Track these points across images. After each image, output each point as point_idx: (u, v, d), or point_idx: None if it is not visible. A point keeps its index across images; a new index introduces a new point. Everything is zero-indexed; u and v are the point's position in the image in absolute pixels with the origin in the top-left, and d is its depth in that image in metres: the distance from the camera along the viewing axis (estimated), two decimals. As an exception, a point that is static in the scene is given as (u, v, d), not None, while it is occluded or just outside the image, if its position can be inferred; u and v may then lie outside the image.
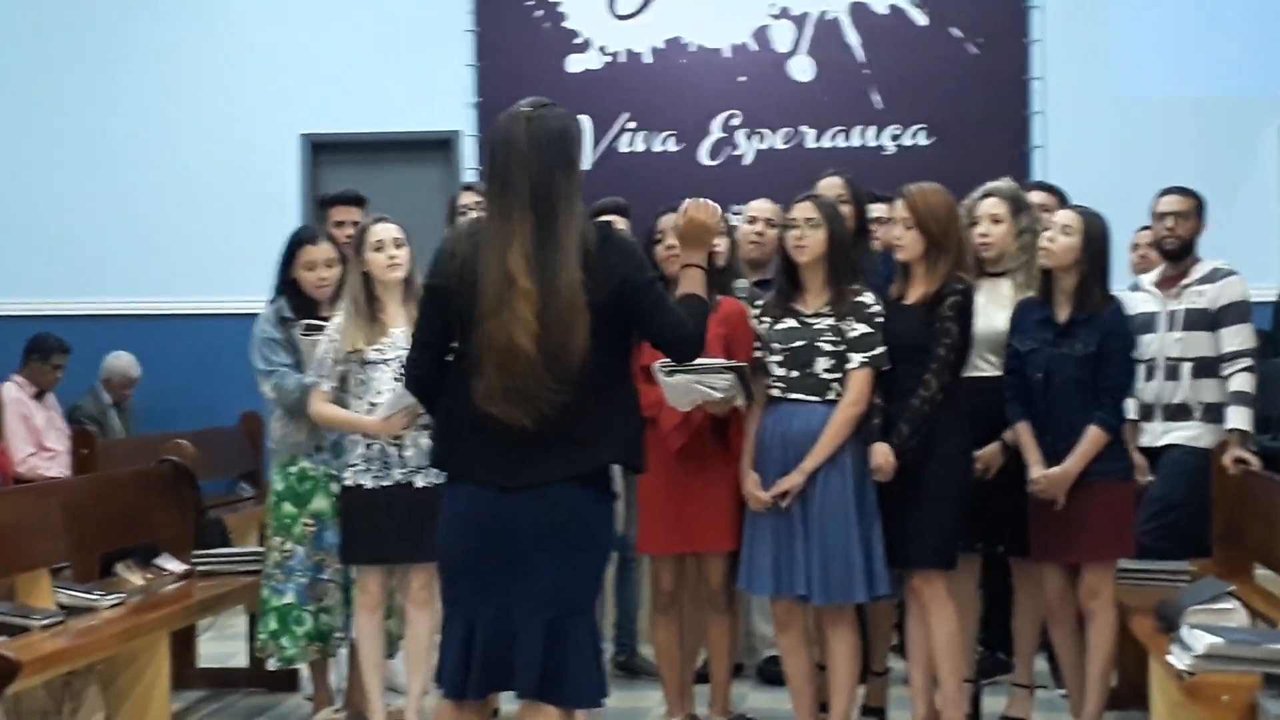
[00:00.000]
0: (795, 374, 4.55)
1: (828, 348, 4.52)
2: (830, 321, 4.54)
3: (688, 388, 4.44)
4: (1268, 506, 4.86)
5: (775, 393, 4.59)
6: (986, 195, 4.95)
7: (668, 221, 4.73)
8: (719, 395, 4.45)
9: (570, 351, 3.27)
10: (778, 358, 4.58)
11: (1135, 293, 5.59)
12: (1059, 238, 4.62)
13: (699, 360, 4.39)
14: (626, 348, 3.48)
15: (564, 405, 3.28)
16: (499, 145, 3.38)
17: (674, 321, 3.44)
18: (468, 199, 5.40)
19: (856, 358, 4.50)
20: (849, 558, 4.44)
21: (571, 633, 3.36)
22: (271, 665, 5.06)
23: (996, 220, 4.89)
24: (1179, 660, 3.77)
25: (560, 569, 3.35)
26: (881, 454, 4.44)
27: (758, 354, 4.65)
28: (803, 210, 4.60)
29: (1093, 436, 4.53)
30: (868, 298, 4.56)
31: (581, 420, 3.33)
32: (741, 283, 5.33)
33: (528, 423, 3.28)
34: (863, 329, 4.52)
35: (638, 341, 3.57)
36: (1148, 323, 5.44)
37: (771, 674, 5.70)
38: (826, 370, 4.53)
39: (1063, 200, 5.59)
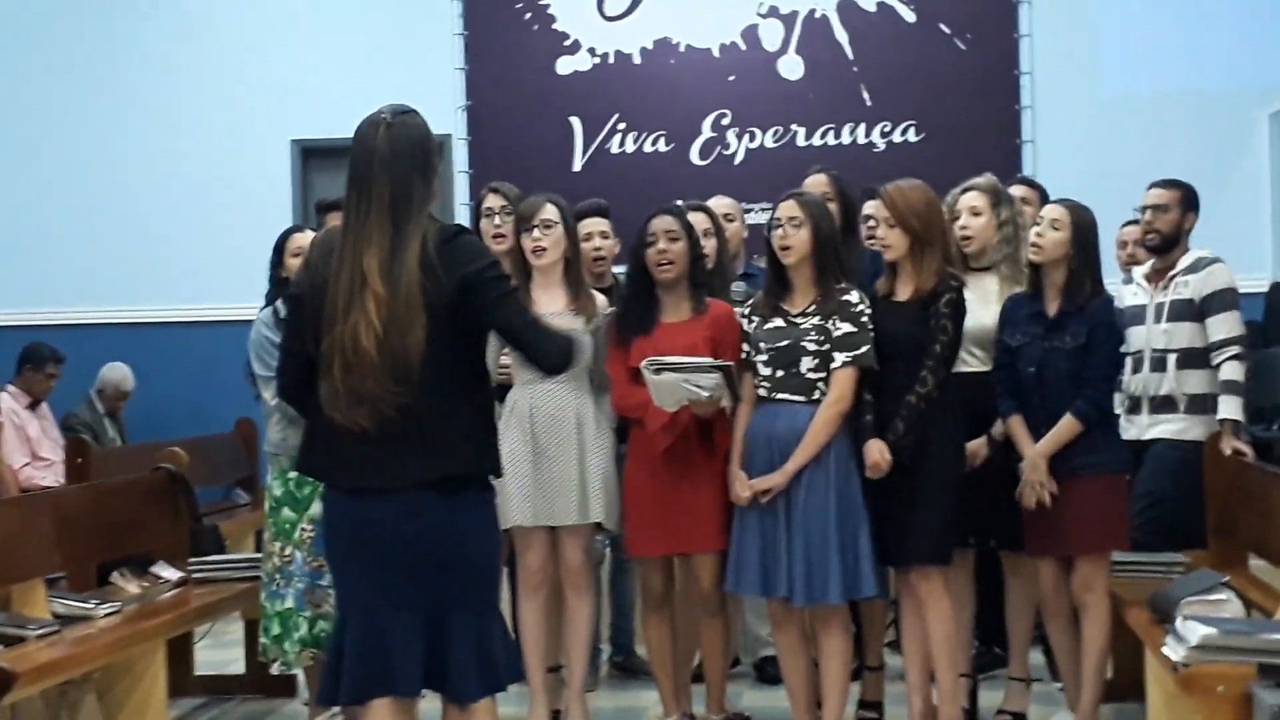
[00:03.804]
0: (781, 374, 4.55)
1: (812, 347, 4.51)
2: (816, 321, 4.53)
3: (674, 386, 4.44)
4: (1262, 497, 4.86)
5: (762, 392, 4.59)
6: (966, 190, 4.95)
7: (659, 226, 4.73)
8: (705, 394, 4.45)
9: (407, 352, 3.28)
10: (764, 357, 4.58)
11: (1127, 286, 5.60)
12: (1048, 232, 4.62)
13: (685, 359, 4.41)
14: (474, 350, 3.47)
15: (405, 407, 3.29)
16: (360, 152, 3.39)
17: (526, 324, 3.45)
18: (493, 202, 5.37)
19: (840, 357, 4.50)
20: (829, 558, 4.43)
21: (455, 629, 3.39)
22: (275, 670, 5.05)
23: (976, 213, 4.89)
24: (1174, 652, 3.76)
25: (431, 578, 3.37)
26: (876, 451, 4.43)
27: (744, 354, 4.64)
28: (787, 209, 4.59)
29: (1067, 424, 4.54)
30: (854, 296, 4.55)
31: (427, 423, 3.33)
32: (739, 285, 5.35)
33: (369, 426, 3.30)
34: (848, 328, 4.51)
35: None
36: (1137, 315, 5.45)
37: (768, 673, 5.70)
38: (811, 370, 4.52)
39: (1044, 195, 5.60)
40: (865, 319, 4.52)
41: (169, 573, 5.45)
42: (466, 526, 3.44)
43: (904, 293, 4.58)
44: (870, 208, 5.47)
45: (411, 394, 3.29)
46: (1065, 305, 4.61)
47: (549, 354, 3.49)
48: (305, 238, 5.10)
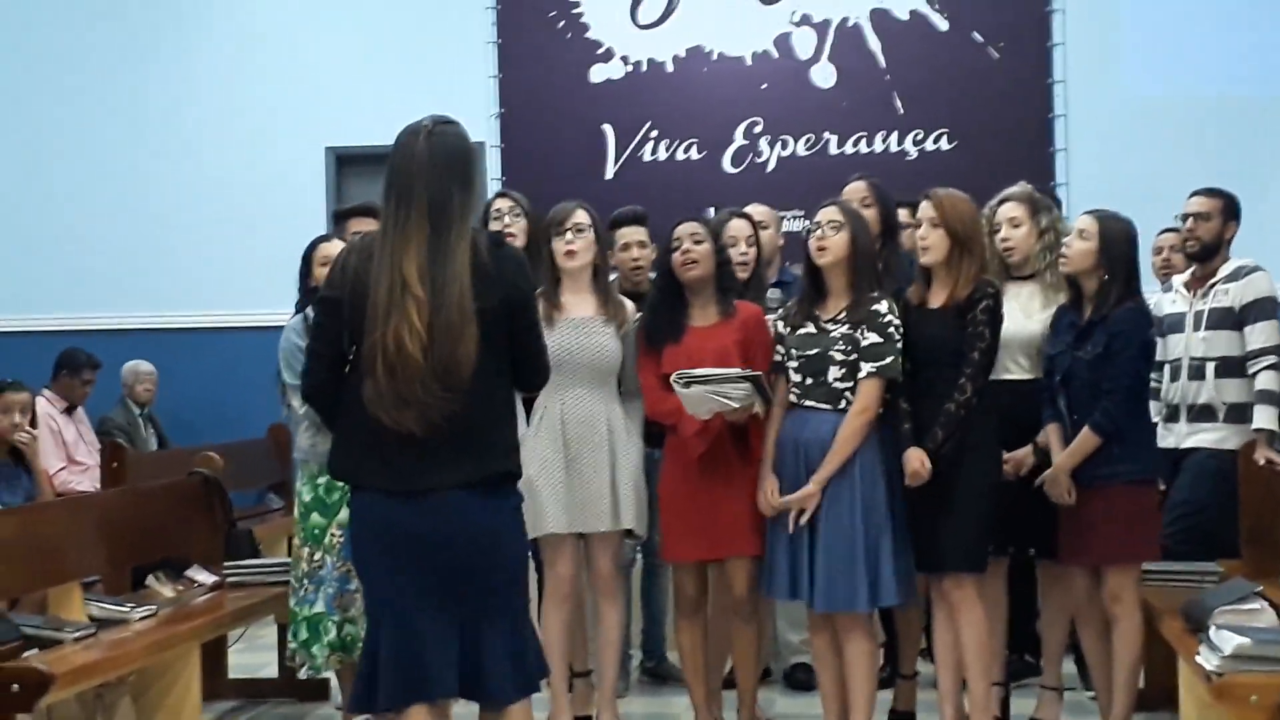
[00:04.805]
0: (810, 381, 4.56)
1: (840, 356, 4.52)
2: (845, 330, 4.53)
3: (704, 398, 4.46)
4: (1296, 507, 4.84)
5: (792, 398, 4.60)
6: (1003, 201, 4.95)
7: (684, 230, 4.75)
8: (736, 405, 4.47)
9: (459, 361, 3.32)
10: (794, 364, 4.59)
11: (1166, 294, 5.59)
12: (1075, 242, 4.63)
13: (714, 370, 4.43)
14: (507, 353, 3.52)
15: (453, 414, 3.33)
16: (400, 159, 3.43)
17: (540, 350, 3.61)
18: (501, 204, 5.40)
19: (866, 367, 4.50)
20: (853, 566, 4.44)
21: (486, 633, 3.43)
22: (303, 675, 5.08)
23: (1016, 224, 4.88)
24: (1207, 661, 3.76)
25: (466, 580, 3.40)
26: (917, 460, 4.43)
27: (777, 358, 4.66)
28: (827, 214, 4.61)
29: (1083, 438, 4.52)
30: (882, 306, 4.54)
31: (473, 427, 3.38)
32: (774, 292, 5.35)
33: (416, 429, 3.33)
34: (874, 338, 4.50)
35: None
36: (1176, 323, 5.44)
37: (798, 680, 5.71)
38: (838, 379, 4.52)
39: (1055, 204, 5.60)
40: (892, 329, 4.52)
41: (204, 576, 5.49)
42: (502, 528, 3.48)
43: (938, 299, 4.57)
44: (902, 216, 5.46)
45: (461, 401, 3.33)
46: (1094, 315, 4.61)
47: (544, 370, 3.68)
48: (333, 247, 5.12)
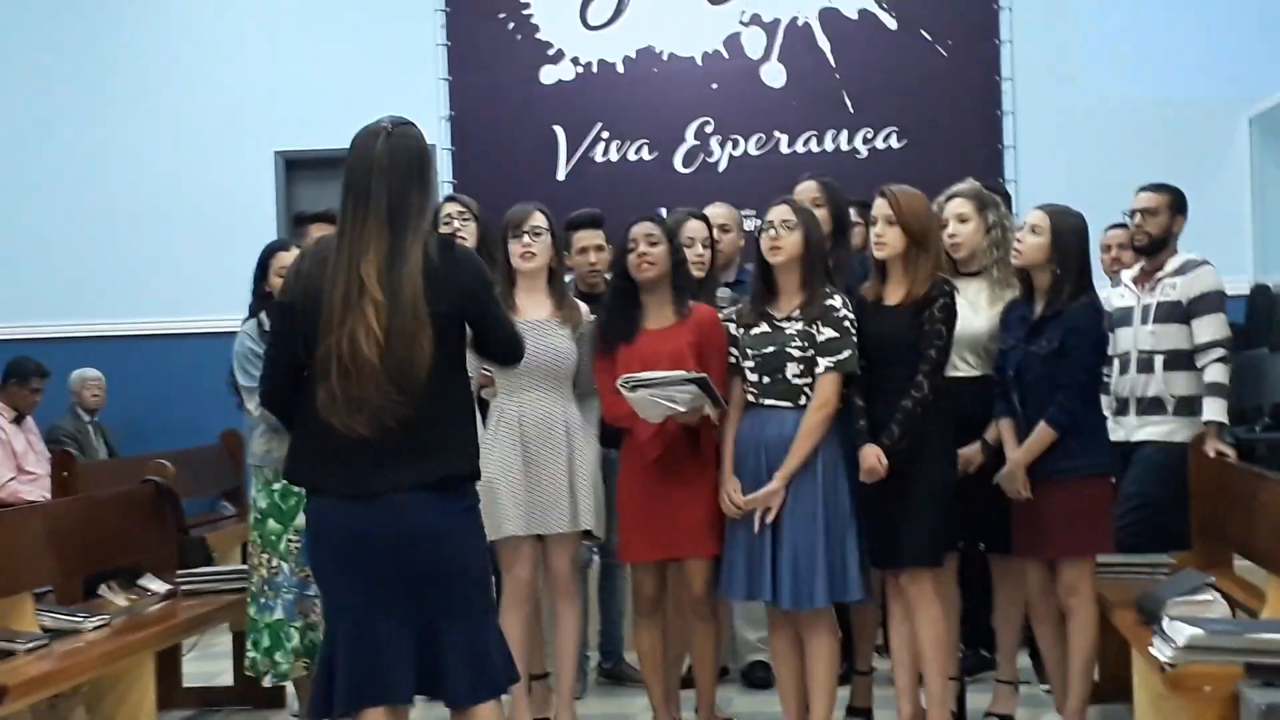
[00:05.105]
0: (767, 380, 4.56)
1: (796, 353, 4.52)
2: (800, 326, 4.54)
3: (651, 402, 4.47)
4: (1246, 498, 4.87)
5: (750, 398, 4.61)
6: (950, 197, 4.97)
7: (639, 231, 4.75)
8: (683, 408, 4.48)
9: (414, 365, 3.31)
10: (750, 363, 4.60)
11: (1115, 289, 5.64)
12: (1027, 238, 4.66)
13: (659, 374, 4.43)
14: (463, 354, 3.52)
15: (407, 417, 3.32)
16: (358, 160, 3.41)
17: (507, 329, 3.62)
18: (450, 209, 5.39)
19: (824, 362, 4.51)
20: (815, 562, 4.45)
21: (446, 634, 3.41)
22: (268, 682, 5.05)
23: (963, 220, 4.91)
24: (1161, 652, 3.78)
25: (421, 581, 3.39)
26: (874, 456, 4.44)
27: (732, 360, 4.66)
28: (779, 213, 4.61)
29: (1039, 433, 4.55)
30: (836, 301, 4.56)
31: (426, 429, 3.37)
32: (724, 292, 5.36)
33: (367, 433, 3.31)
34: (830, 333, 4.51)
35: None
36: (1124, 317, 5.48)
37: (756, 678, 5.72)
38: (796, 376, 4.53)
39: (1005, 199, 5.65)
40: (848, 324, 4.53)
41: (156, 585, 5.46)
42: (458, 530, 3.46)
43: (894, 296, 4.58)
44: (857, 211, 5.48)
45: (415, 404, 3.31)
46: (1046, 310, 4.63)
47: (517, 346, 3.65)
48: (289, 256, 5.10)
